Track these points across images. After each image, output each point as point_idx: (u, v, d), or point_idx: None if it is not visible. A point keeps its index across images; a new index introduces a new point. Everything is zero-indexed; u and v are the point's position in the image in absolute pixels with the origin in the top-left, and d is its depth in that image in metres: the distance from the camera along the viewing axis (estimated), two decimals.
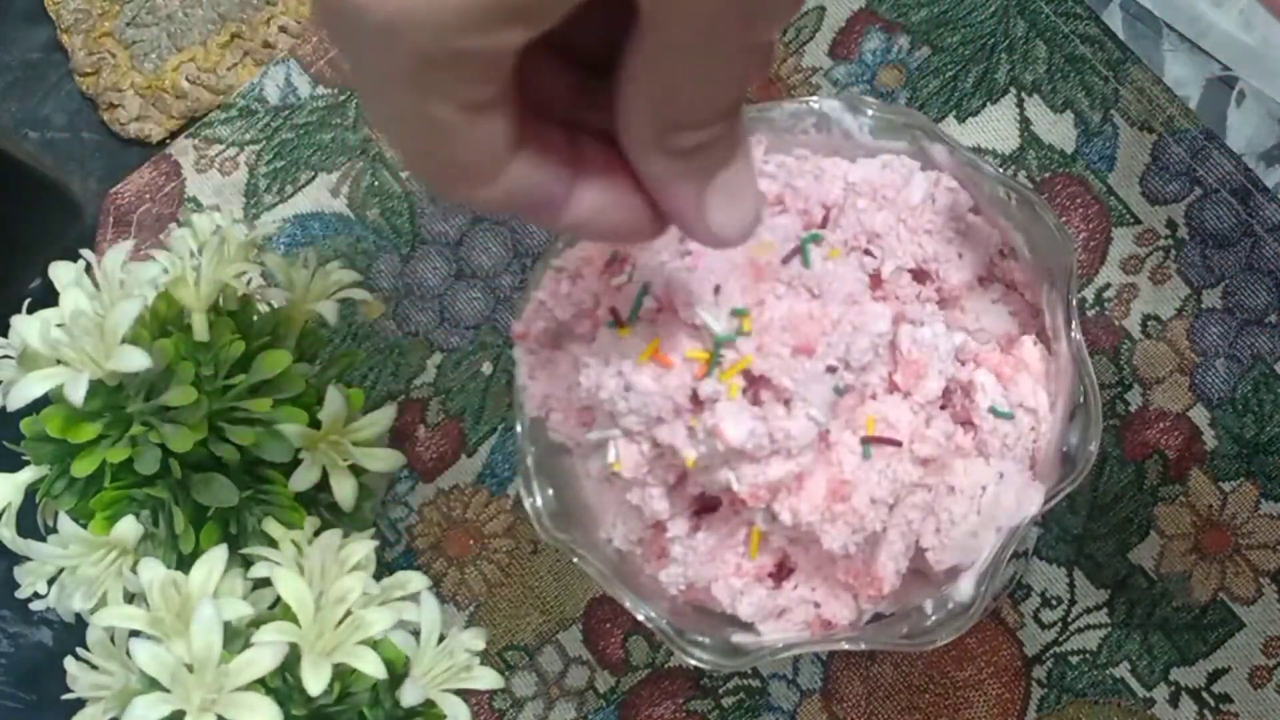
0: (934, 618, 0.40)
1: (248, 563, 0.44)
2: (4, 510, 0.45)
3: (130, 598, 0.44)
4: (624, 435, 0.37)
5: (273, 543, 0.44)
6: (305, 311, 0.48)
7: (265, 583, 0.43)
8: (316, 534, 0.45)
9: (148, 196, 0.57)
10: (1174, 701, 0.49)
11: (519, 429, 0.42)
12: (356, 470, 0.46)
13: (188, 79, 0.57)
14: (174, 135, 0.58)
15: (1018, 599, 0.50)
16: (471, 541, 0.53)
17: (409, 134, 0.25)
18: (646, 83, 0.25)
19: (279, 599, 0.42)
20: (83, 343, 0.42)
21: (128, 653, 0.40)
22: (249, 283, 0.48)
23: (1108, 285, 0.51)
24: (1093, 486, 0.50)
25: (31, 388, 0.42)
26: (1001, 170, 0.42)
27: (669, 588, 0.41)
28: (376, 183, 0.56)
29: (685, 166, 0.27)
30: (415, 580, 0.46)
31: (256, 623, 0.41)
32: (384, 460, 0.47)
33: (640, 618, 0.41)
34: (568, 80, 0.28)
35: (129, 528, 0.44)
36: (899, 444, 0.38)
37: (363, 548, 0.44)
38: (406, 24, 0.22)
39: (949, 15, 0.54)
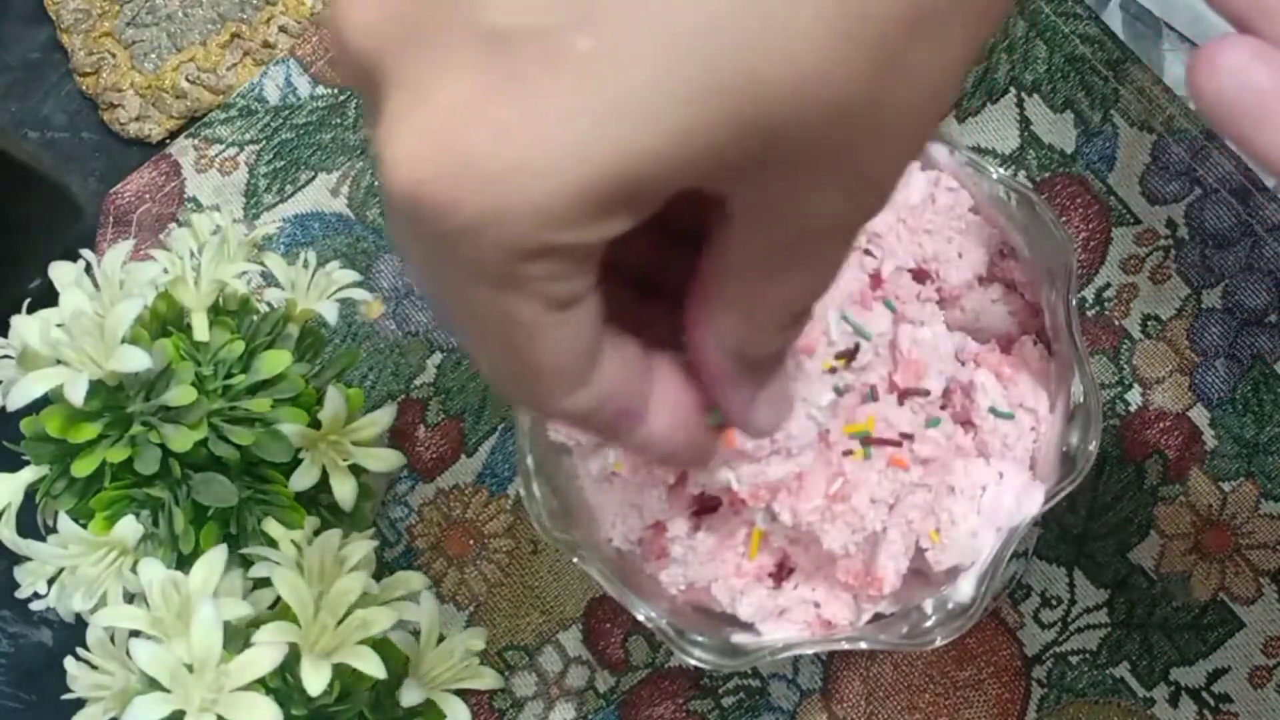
0: (934, 618, 0.40)
1: (248, 563, 0.44)
2: (4, 510, 0.45)
3: (130, 598, 0.44)
4: None
5: (273, 543, 0.44)
6: (305, 311, 0.48)
7: (265, 583, 0.43)
8: (316, 534, 0.45)
9: (148, 196, 0.57)
10: (1174, 701, 0.49)
11: (519, 429, 0.42)
12: (356, 470, 0.46)
13: (188, 79, 0.57)
14: (174, 135, 0.58)
15: (1018, 599, 0.50)
16: (471, 541, 0.53)
17: (491, 338, 0.23)
18: (733, 289, 0.24)
19: (279, 599, 0.42)
20: (83, 343, 0.42)
21: (128, 653, 0.40)
22: (249, 283, 0.48)
23: (1108, 285, 0.51)
24: (1093, 486, 0.50)
25: (31, 388, 0.42)
26: (1001, 170, 0.42)
27: (669, 588, 0.41)
28: (376, 183, 0.56)
29: (751, 372, 0.26)
30: (415, 580, 0.46)
31: (256, 623, 0.41)
32: (384, 460, 0.47)
33: (640, 618, 0.41)
34: (626, 294, 0.27)
35: (129, 528, 0.44)
36: (899, 444, 0.38)
37: (363, 548, 0.44)
38: (500, 219, 0.20)
39: None
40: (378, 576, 0.45)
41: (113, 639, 0.43)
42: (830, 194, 0.22)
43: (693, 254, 0.25)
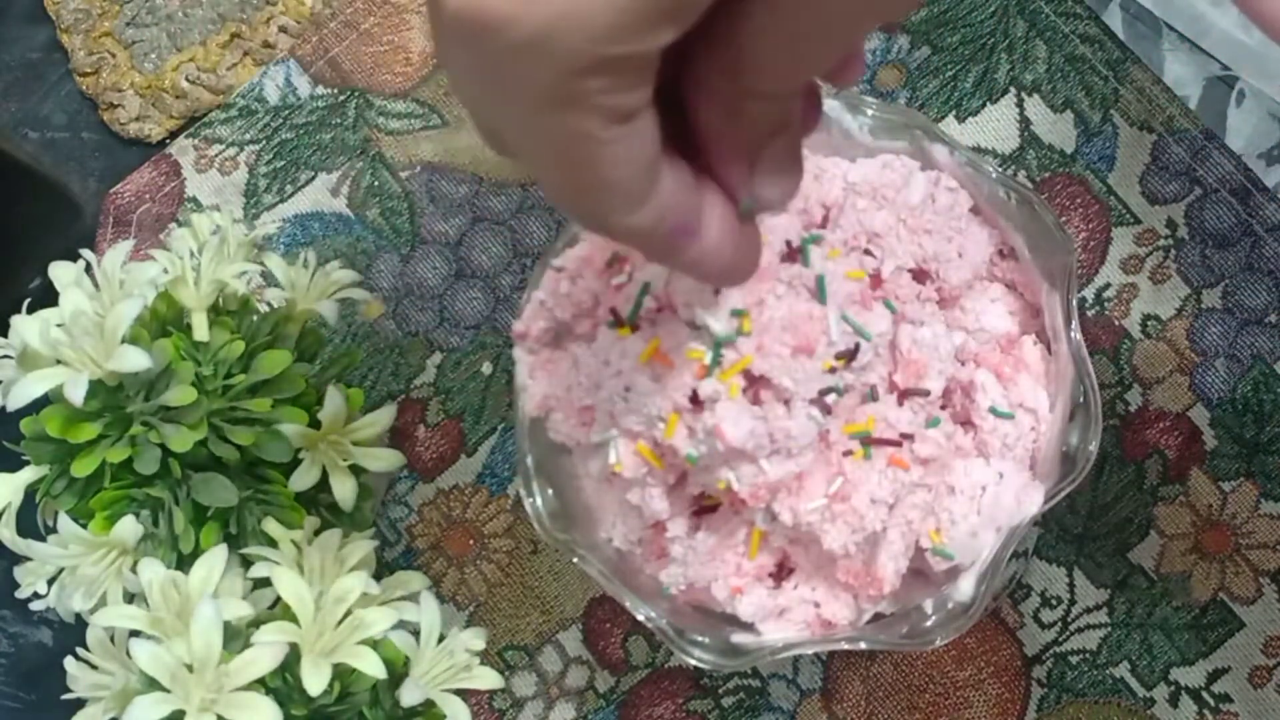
0: (934, 618, 0.40)
1: (248, 563, 0.44)
2: (4, 510, 0.45)
3: (130, 598, 0.44)
4: (624, 435, 0.37)
5: (273, 543, 0.44)
6: (305, 311, 0.48)
7: (265, 583, 0.43)
8: (316, 534, 0.45)
9: (148, 196, 0.57)
10: (1174, 701, 0.49)
11: (519, 429, 0.42)
12: (356, 470, 0.46)
13: (188, 79, 0.57)
14: (174, 135, 0.58)
15: (1018, 599, 0.50)
16: (471, 541, 0.53)
17: (556, 156, 0.23)
18: (741, 44, 0.24)
19: (279, 599, 0.42)
20: (83, 343, 0.42)
21: (128, 653, 0.40)
22: (249, 283, 0.48)
23: (1108, 285, 0.51)
24: (1093, 486, 0.50)
25: (31, 388, 0.42)
26: (1001, 170, 0.42)
27: (669, 588, 0.41)
28: (376, 183, 0.56)
29: (750, 130, 0.26)
30: (415, 580, 0.46)
31: (256, 623, 0.42)
32: (384, 460, 0.47)
33: (640, 618, 0.41)
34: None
35: (129, 528, 0.44)
36: (899, 444, 0.38)
37: (363, 548, 0.44)
38: (559, 33, 0.21)
39: (949, 15, 0.54)
40: (378, 576, 0.45)
41: (113, 639, 0.43)
42: None
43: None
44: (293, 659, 0.40)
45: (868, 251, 0.40)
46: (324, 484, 0.46)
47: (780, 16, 0.23)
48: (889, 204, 0.41)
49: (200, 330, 0.45)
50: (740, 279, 0.30)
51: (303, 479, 0.45)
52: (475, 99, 0.24)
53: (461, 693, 0.46)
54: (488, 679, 0.46)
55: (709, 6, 0.22)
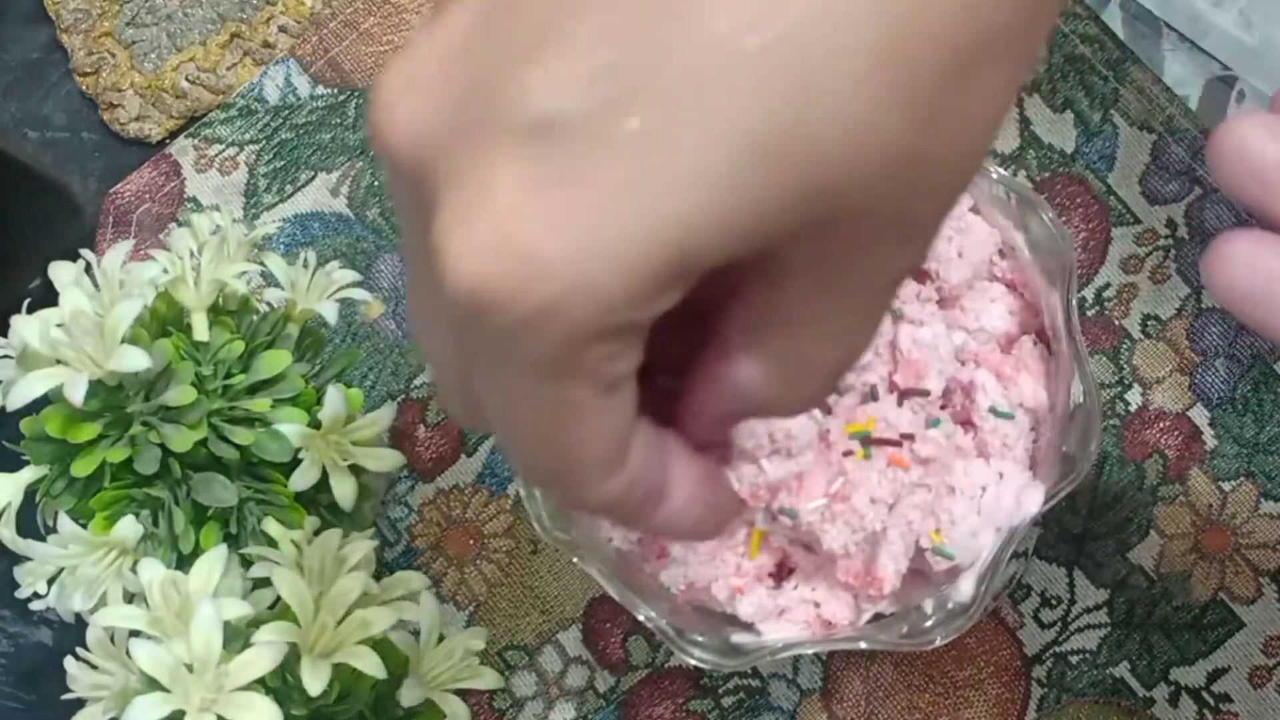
0: (934, 618, 0.40)
1: (248, 563, 0.44)
2: (4, 510, 0.45)
3: (130, 598, 0.44)
4: None
5: (273, 543, 0.44)
6: (305, 311, 0.48)
7: (265, 583, 0.43)
8: (316, 534, 0.45)
9: (148, 196, 0.57)
10: (1174, 701, 0.49)
11: None
12: (356, 470, 0.46)
13: (187, 79, 0.57)
14: (174, 135, 0.58)
15: (1017, 599, 0.50)
16: (471, 541, 0.53)
17: (537, 429, 0.23)
18: (776, 344, 0.24)
19: (279, 599, 0.42)
20: (83, 343, 0.42)
21: (128, 653, 0.40)
22: (249, 283, 0.48)
23: (1108, 285, 0.51)
24: (1093, 486, 0.50)
25: (31, 388, 0.42)
26: (1001, 170, 0.42)
27: (669, 588, 0.41)
28: (376, 183, 0.56)
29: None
30: (415, 580, 0.46)
31: (256, 623, 0.42)
32: (384, 460, 0.47)
33: (640, 618, 0.41)
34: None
35: (129, 528, 0.44)
36: (899, 444, 0.38)
37: (363, 548, 0.44)
38: (565, 306, 0.20)
39: None
40: (378, 576, 0.45)
41: (113, 639, 0.43)
42: (885, 246, 0.22)
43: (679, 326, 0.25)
44: (293, 659, 0.40)
45: None
46: (324, 484, 0.46)
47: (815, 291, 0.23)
48: None
49: (200, 330, 0.45)
50: (713, 534, 0.29)
51: (303, 479, 0.45)
52: (459, 368, 0.24)
53: (461, 693, 0.46)
54: (488, 679, 0.46)
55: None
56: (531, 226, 0.20)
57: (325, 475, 0.45)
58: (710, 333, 0.25)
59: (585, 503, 0.24)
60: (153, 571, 0.42)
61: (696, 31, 0.20)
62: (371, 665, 0.41)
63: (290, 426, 0.44)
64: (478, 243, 0.20)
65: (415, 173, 0.21)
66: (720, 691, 0.51)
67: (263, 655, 0.40)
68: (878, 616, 0.41)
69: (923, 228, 0.23)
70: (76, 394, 0.41)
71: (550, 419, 0.22)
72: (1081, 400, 0.40)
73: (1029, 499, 0.40)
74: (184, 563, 0.44)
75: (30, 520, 0.45)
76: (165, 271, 0.46)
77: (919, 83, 0.20)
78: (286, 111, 0.57)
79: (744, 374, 0.24)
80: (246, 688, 0.39)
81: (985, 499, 0.40)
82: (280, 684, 0.41)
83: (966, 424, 0.41)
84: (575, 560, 0.41)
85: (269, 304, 0.49)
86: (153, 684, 0.39)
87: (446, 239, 0.21)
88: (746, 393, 0.25)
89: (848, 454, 0.38)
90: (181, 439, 0.43)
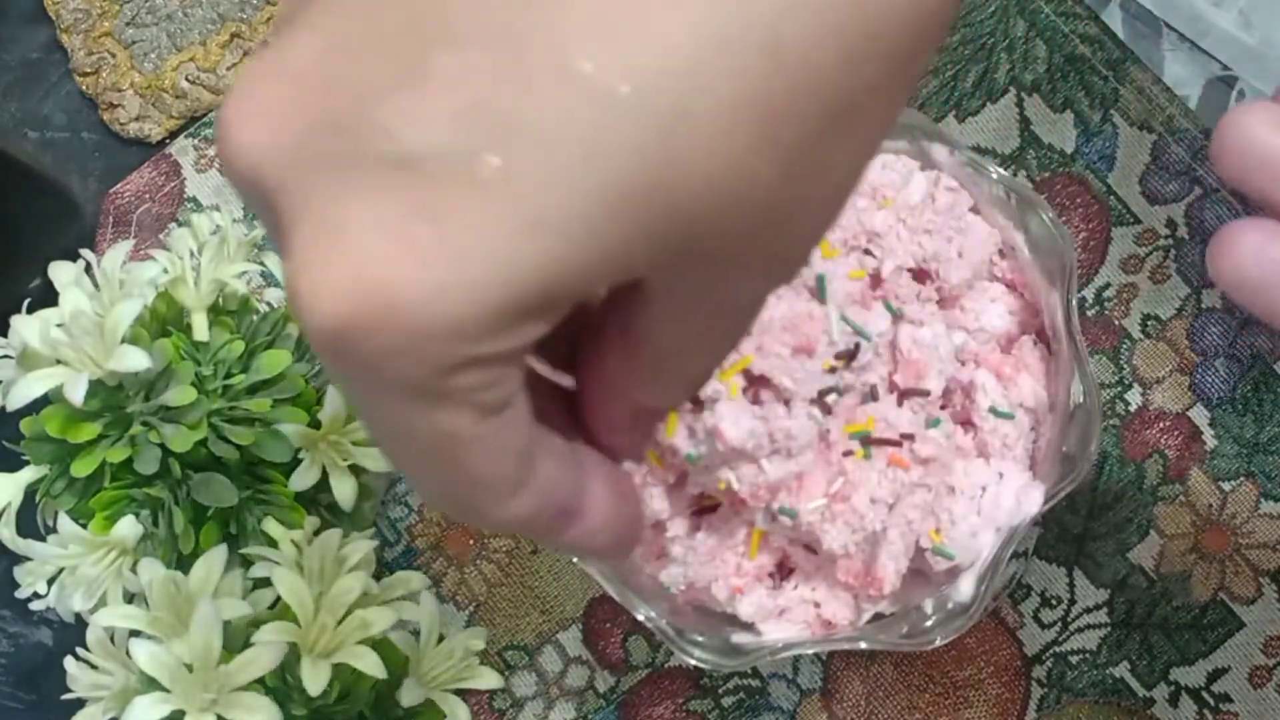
0: (934, 618, 0.40)
1: (248, 563, 0.44)
2: (4, 510, 0.45)
3: (130, 598, 0.44)
4: None
5: (272, 542, 0.44)
6: None
7: (265, 583, 0.43)
8: (316, 534, 0.45)
9: (148, 196, 0.57)
10: (1174, 701, 0.49)
11: None
12: (356, 470, 0.46)
13: (187, 79, 0.57)
14: (174, 135, 0.58)
15: (1017, 599, 0.50)
16: (471, 541, 0.53)
17: (427, 455, 0.23)
18: (648, 360, 0.24)
19: (279, 599, 0.42)
20: (83, 343, 0.42)
21: (128, 653, 0.40)
22: (249, 283, 0.48)
23: (1108, 285, 0.51)
24: (1093, 486, 0.50)
25: (31, 388, 0.42)
26: (1001, 170, 0.42)
27: (669, 588, 0.41)
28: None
29: (651, 419, 0.26)
30: (415, 580, 0.46)
31: (256, 623, 0.42)
32: (384, 460, 0.47)
33: (640, 618, 0.41)
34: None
35: (129, 528, 0.44)
36: (899, 444, 0.38)
37: (363, 548, 0.44)
38: (424, 338, 0.20)
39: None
40: (378, 576, 0.45)
41: (113, 639, 0.43)
42: (749, 276, 0.22)
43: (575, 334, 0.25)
44: (293, 659, 0.40)
45: (868, 251, 0.40)
46: (324, 484, 0.46)
47: (674, 312, 0.23)
48: (890, 204, 0.41)
49: (200, 330, 0.45)
50: (628, 551, 0.28)
51: (303, 479, 0.45)
52: (344, 394, 0.24)
53: (461, 693, 0.46)
54: (488, 679, 0.46)
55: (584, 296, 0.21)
56: (389, 261, 0.20)
57: (325, 475, 0.45)
58: (593, 336, 0.25)
59: (490, 524, 0.24)
60: (153, 571, 0.42)
61: (562, 71, 0.19)
62: (371, 665, 0.41)
63: (290, 426, 0.44)
64: (334, 278, 0.20)
65: (260, 200, 0.21)
66: (720, 691, 0.51)
67: (263, 655, 0.40)
68: (878, 616, 0.41)
69: (789, 260, 0.23)
70: (76, 394, 0.41)
71: (432, 446, 0.22)
72: (1081, 400, 0.40)
73: (1029, 499, 0.40)
74: (184, 563, 0.44)
75: (30, 520, 0.45)
76: (165, 271, 0.46)
77: (788, 132, 0.20)
78: None
79: (620, 378, 0.25)
80: (246, 688, 0.39)
81: (985, 499, 0.40)
82: (280, 684, 0.41)
83: (966, 424, 0.41)
84: (575, 560, 0.41)
85: (269, 304, 0.49)
86: (153, 684, 0.39)
87: (302, 274, 0.20)
88: (624, 394, 0.25)
89: (848, 454, 0.38)
90: (181, 439, 0.43)
